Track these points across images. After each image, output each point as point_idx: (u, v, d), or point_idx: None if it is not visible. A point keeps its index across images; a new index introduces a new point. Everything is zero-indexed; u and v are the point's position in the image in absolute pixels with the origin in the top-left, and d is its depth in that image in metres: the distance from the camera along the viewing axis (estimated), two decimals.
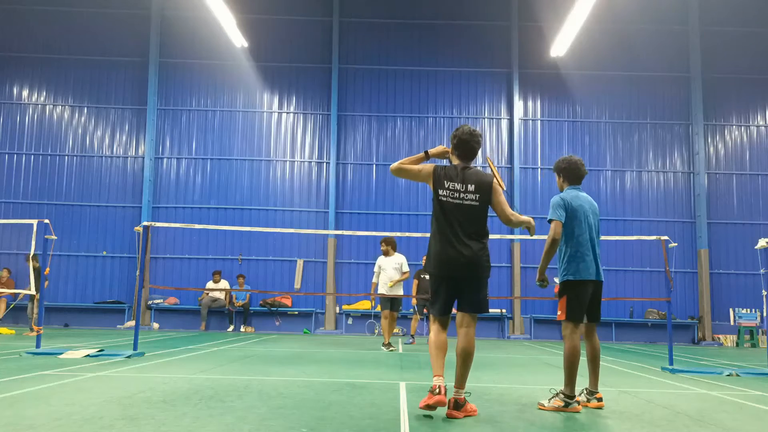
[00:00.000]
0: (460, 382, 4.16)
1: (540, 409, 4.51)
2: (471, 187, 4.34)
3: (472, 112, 17.12)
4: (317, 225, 16.42)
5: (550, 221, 4.77)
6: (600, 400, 4.66)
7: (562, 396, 4.50)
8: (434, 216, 4.42)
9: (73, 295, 16.30)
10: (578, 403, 4.51)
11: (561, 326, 4.86)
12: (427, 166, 4.48)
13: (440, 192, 4.36)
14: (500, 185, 4.50)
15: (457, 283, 4.32)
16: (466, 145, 4.47)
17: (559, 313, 4.81)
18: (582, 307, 4.73)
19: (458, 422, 3.93)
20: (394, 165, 4.52)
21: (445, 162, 4.61)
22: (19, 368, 6.16)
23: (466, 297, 4.32)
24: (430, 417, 4.07)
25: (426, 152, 4.57)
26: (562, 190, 5.00)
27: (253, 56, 17.07)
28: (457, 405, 4.08)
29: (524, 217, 4.49)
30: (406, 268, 10.91)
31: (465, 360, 4.21)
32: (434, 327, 4.34)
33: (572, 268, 4.75)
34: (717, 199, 16.70)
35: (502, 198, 4.42)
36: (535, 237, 4.69)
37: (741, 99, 17.10)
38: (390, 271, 10.82)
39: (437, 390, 4.03)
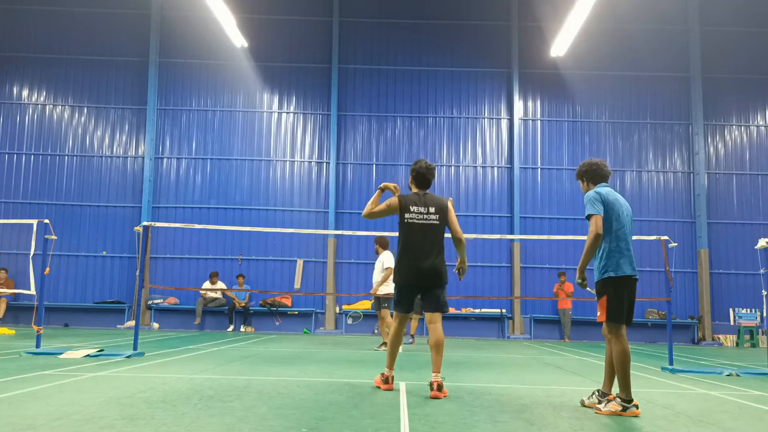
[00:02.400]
0: (437, 367, 5.04)
1: (596, 413, 4.42)
2: (432, 209, 5.31)
3: (472, 112, 17.12)
4: (317, 225, 16.42)
5: (588, 217, 4.61)
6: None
7: (619, 401, 4.41)
8: (401, 235, 5.32)
9: (73, 295, 16.29)
10: (636, 407, 4.39)
11: (601, 327, 4.70)
12: (393, 200, 5.37)
13: (406, 215, 5.28)
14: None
15: (421, 288, 5.26)
16: (423, 177, 5.43)
17: (599, 314, 4.63)
18: (623, 305, 4.56)
19: (458, 422, 3.93)
20: (365, 212, 5.43)
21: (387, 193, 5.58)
22: (19, 368, 6.16)
23: (432, 300, 5.23)
24: (429, 416, 4.08)
25: (380, 187, 5.52)
26: None
27: (253, 56, 17.07)
28: (440, 387, 4.91)
29: (465, 255, 5.37)
30: (387, 265, 10.37)
31: (437, 350, 5.13)
32: (396, 323, 5.36)
33: (612, 264, 4.58)
34: (717, 199, 16.70)
35: (455, 218, 5.41)
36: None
37: (741, 99, 17.10)
38: (375, 272, 10.65)
39: (389, 380, 5.28)
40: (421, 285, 5.22)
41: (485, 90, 17.22)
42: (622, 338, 4.56)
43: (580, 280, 4.71)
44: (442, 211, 5.31)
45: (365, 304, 15.97)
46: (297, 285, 16.21)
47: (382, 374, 5.40)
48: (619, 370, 4.51)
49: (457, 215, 5.56)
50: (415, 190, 5.44)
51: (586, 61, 16.92)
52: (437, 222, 5.26)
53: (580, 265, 4.65)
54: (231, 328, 15.63)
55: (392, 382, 5.33)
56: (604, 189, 4.77)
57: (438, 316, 5.22)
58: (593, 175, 4.90)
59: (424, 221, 5.24)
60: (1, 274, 15.20)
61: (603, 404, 4.51)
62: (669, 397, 5.44)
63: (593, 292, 4.72)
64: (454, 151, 16.91)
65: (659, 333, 15.99)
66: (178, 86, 17.13)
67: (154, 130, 16.79)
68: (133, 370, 6.34)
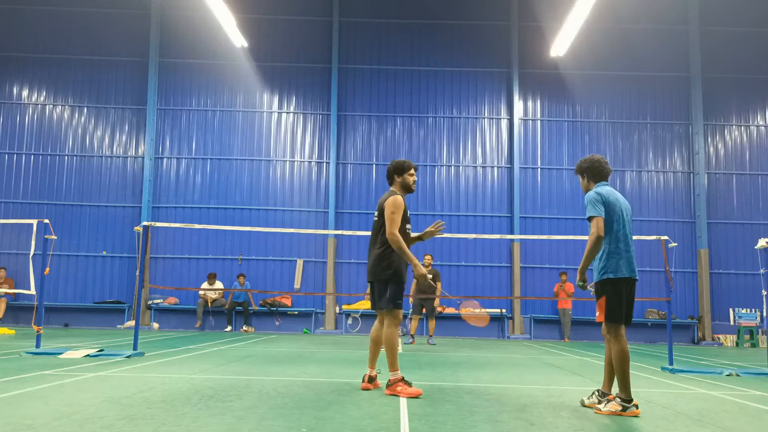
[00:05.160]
0: (372, 363, 5.37)
1: (596, 413, 4.42)
2: (377, 208, 5.32)
3: (472, 112, 17.12)
4: (317, 225, 16.42)
5: (589, 218, 4.57)
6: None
7: (619, 401, 4.40)
8: None
9: (73, 295, 16.29)
10: (636, 406, 4.39)
11: (601, 328, 4.70)
12: None
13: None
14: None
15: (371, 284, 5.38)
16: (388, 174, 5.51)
17: (597, 314, 4.63)
18: (622, 306, 4.54)
19: (458, 422, 3.93)
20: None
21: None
22: (19, 368, 6.16)
23: (373, 297, 5.36)
24: (429, 416, 4.08)
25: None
26: (587, 192, 4.81)
27: (253, 56, 17.07)
28: (371, 380, 5.31)
29: (416, 262, 5.12)
30: None
31: (375, 345, 5.39)
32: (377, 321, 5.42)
33: (612, 266, 4.56)
34: (717, 199, 16.70)
35: (389, 215, 5.10)
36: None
37: (741, 99, 17.10)
38: None
39: (364, 379, 5.27)
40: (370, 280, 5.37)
41: (485, 90, 17.21)
42: (621, 338, 4.55)
43: (581, 283, 4.68)
44: (380, 208, 5.25)
45: (365, 304, 15.96)
46: (297, 285, 16.21)
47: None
48: (618, 370, 4.50)
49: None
50: None
51: (586, 61, 16.91)
52: (377, 219, 5.30)
53: (581, 267, 4.64)
54: (229, 328, 15.60)
55: (368, 381, 5.30)
56: (604, 189, 4.74)
57: (382, 313, 5.23)
58: (594, 172, 4.84)
59: (374, 220, 5.37)
60: (0, 273, 15.20)
61: (603, 404, 4.51)
62: (669, 397, 5.44)
63: (593, 292, 4.71)
64: (454, 151, 16.91)
65: (659, 333, 15.99)
66: (178, 86, 17.13)
67: (154, 130, 16.79)
68: (133, 370, 6.34)
